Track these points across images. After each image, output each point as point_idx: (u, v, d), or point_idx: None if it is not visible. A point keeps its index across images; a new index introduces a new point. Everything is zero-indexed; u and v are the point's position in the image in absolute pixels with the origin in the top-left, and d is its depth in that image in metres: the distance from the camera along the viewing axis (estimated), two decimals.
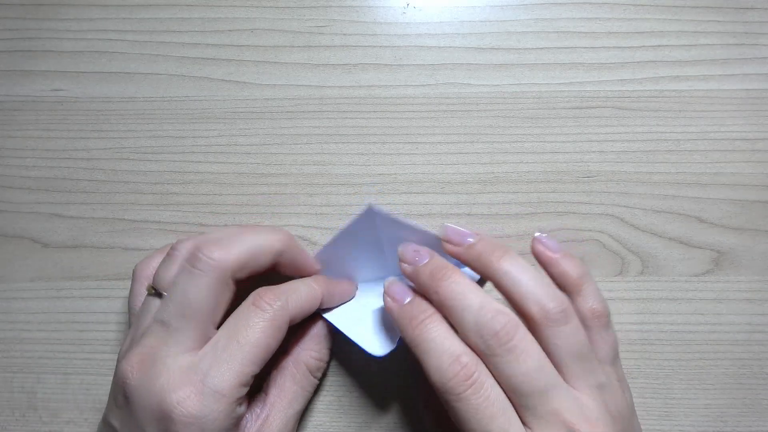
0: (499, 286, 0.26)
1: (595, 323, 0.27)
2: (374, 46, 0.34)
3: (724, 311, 0.33)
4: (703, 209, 0.33)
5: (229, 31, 0.34)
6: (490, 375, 0.24)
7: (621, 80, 0.34)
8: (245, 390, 0.25)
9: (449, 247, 0.27)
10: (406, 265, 0.27)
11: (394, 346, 0.29)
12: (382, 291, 0.28)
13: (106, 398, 0.33)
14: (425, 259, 0.27)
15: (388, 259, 0.30)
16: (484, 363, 0.25)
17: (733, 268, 0.33)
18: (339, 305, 0.31)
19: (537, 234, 0.29)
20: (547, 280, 0.27)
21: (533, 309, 0.25)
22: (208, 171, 0.34)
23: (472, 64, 0.34)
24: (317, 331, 0.30)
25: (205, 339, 0.26)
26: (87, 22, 0.34)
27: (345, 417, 0.33)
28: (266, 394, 0.28)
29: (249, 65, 0.34)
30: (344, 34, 0.34)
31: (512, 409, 0.24)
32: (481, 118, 0.34)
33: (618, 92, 0.34)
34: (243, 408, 0.26)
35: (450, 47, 0.34)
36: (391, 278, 0.28)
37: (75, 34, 0.34)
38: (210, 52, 0.34)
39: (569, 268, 0.28)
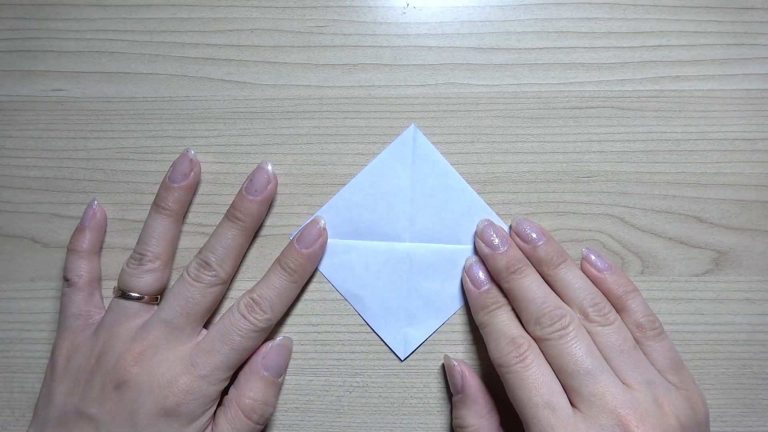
0: (553, 289, 0.30)
1: (643, 335, 0.29)
2: (374, 46, 0.34)
3: (724, 311, 0.33)
4: (703, 209, 0.33)
5: (229, 31, 0.34)
6: (540, 356, 0.28)
7: (621, 80, 0.34)
8: (227, 375, 0.30)
9: (518, 241, 0.31)
10: (484, 246, 0.31)
11: (417, 346, 0.33)
12: (400, 254, 0.33)
13: None
14: (503, 248, 0.31)
15: (415, 197, 0.33)
16: (540, 348, 0.28)
17: (733, 268, 0.33)
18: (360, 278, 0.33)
19: (585, 251, 0.32)
20: (593, 288, 0.30)
21: (575, 312, 0.29)
22: (208, 171, 0.34)
23: (472, 64, 0.34)
24: (251, 368, 0.31)
25: (197, 333, 0.31)
26: (87, 22, 0.34)
27: (344, 417, 0.33)
28: (206, 428, 0.29)
29: (249, 65, 0.34)
30: (344, 34, 0.34)
31: (559, 386, 0.27)
32: (481, 118, 0.34)
33: (618, 92, 0.34)
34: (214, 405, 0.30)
35: (450, 47, 0.34)
36: (471, 259, 0.32)
37: (75, 34, 0.34)
38: (210, 52, 0.34)
39: (612, 285, 0.31)
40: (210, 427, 0.29)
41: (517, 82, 0.34)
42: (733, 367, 0.33)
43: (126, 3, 0.34)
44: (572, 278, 0.30)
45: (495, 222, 0.32)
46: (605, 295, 0.30)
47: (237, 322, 0.29)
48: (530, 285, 0.30)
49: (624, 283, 0.31)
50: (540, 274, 0.30)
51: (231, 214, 0.31)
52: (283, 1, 0.34)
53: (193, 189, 0.33)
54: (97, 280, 0.32)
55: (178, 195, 0.32)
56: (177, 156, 0.32)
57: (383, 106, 0.34)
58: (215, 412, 0.30)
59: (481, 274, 0.31)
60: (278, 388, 0.32)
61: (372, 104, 0.34)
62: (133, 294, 0.30)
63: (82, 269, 0.32)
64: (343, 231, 0.33)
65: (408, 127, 0.33)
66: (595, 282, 0.31)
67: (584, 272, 0.31)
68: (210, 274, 0.30)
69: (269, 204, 0.33)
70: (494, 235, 0.31)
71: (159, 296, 0.31)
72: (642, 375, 0.27)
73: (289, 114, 0.34)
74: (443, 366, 0.33)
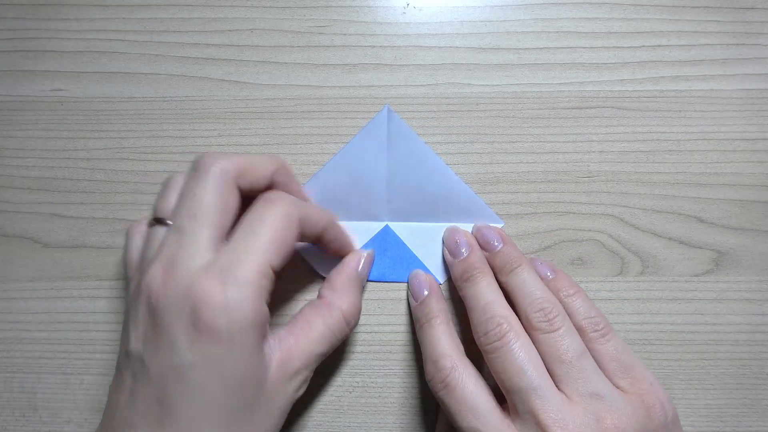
0: (507, 295, 0.29)
1: (585, 339, 0.28)
2: (374, 46, 0.34)
3: (724, 311, 0.33)
4: (703, 209, 0.33)
5: (229, 31, 0.34)
6: (465, 375, 0.27)
7: (621, 80, 0.34)
8: (267, 282, 0.25)
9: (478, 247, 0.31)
10: (447, 253, 0.32)
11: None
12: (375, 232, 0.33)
13: (106, 398, 0.33)
14: (462, 256, 0.31)
15: (391, 178, 0.33)
16: (485, 360, 0.27)
17: (733, 268, 0.33)
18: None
19: (531, 258, 0.32)
20: (543, 293, 0.28)
21: (522, 318, 0.28)
22: None
23: (472, 64, 0.34)
24: (350, 277, 0.30)
25: (221, 241, 0.26)
26: (87, 22, 0.34)
27: (345, 417, 0.33)
28: (293, 326, 0.27)
29: (249, 65, 0.34)
30: (344, 34, 0.34)
31: (489, 403, 0.26)
32: (481, 118, 0.34)
33: (618, 92, 0.34)
34: (267, 310, 0.25)
35: (450, 47, 0.34)
36: (414, 271, 0.32)
37: (75, 34, 0.34)
38: (210, 52, 0.34)
39: (554, 290, 0.29)
40: (295, 328, 0.27)
41: (517, 82, 0.34)
42: (733, 367, 0.33)
43: (126, 3, 0.34)
44: (522, 283, 0.28)
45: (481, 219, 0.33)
46: None
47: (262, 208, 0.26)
48: (478, 293, 0.28)
49: (566, 286, 0.29)
50: (499, 284, 0.29)
51: None
52: (283, 1, 0.34)
53: None
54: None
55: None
56: (177, 156, 0.32)
57: (383, 106, 0.34)
58: (306, 310, 0.28)
59: (419, 286, 0.31)
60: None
61: (372, 104, 0.34)
62: (162, 217, 0.27)
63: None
64: None
65: (384, 107, 0.33)
66: None
67: None
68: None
69: None
70: (455, 242, 0.31)
71: None
72: (585, 387, 0.26)
73: (289, 114, 0.34)
74: None
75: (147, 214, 0.30)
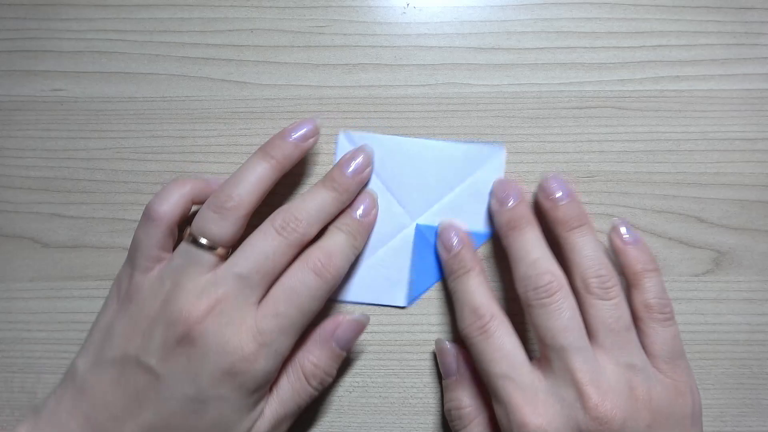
0: (562, 253, 0.29)
1: (649, 316, 0.28)
2: (374, 46, 0.34)
3: (724, 311, 0.33)
4: (703, 209, 0.33)
5: (229, 31, 0.34)
6: (504, 325, 0.27)
7: (621, 80, 0.34)
8: (291, 345, 0.28)
9: (540, 198, 0.30)
10: (494, 202, 0.31)
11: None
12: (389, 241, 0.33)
13: None
14: (510, 203, 0.30)
15: (388, 185, 0.33)
16: (525, 311, 0.28)
17: (733, 268, 0.33)
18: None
19: (617, 221, 0.31)
20: (603, 259, 0.28)
21: (577, 279, 0.28)
22: (208, 171, 0.34)
23: (472, 64, 0.34)
24: (321, 336, 0.29)
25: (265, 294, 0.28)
26: (87, 22, 0.34)
27: (345, 417, 0.33)
28: (268, 389, 0.28)
29: (249, 65, 0.34)
30: (344, 34, 0.34)
31: (522, 356, 0.27)
32: (481, 118, 0.34)
33: (618, 92, 0.34)
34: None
35: (450, 47, 0.34)
36: (445, 222, 0.32)
37: (75, 34, 0.34)
38: (210, 52, 0.34)
39: (632, 260, 0.29)
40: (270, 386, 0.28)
41: (517, 82, 0.34)
42: (733, 367, 0.33)
43: (126, 3, 0.34)
44: (584, 244, 0.28)
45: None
46: (623, 269, 0.29)
47: (308, 280, 0.27)
48: (525, 245, 0.28)
49: (645, 260, 0.29)
50: (555, 236, 0.29)
51: (329, 185, 0.29)
52: (283, 1, 0.34)
53: (304, 155, 0.30)
54: (178, 224, 0.29)
55: (291, 152, 0.29)
56: (177, 156, 0.32)
57: (383, 106, 0.34)
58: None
59: (454, 238, 0.31)
60: (341, 360, 0.30)
61: (372, 104, 0.34)
62: (206, 242, 0.27)
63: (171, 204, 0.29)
64: None
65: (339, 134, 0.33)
66: (615, 253, 0.30)
67: (609, 241, 0.30)
68: (299, 230, 0.27)
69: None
70: (506, 192, 0.30)
71: (231, 251, 0.28)
72: (625, 357, 0.26)
73: (289, 114, 0.34)
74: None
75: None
